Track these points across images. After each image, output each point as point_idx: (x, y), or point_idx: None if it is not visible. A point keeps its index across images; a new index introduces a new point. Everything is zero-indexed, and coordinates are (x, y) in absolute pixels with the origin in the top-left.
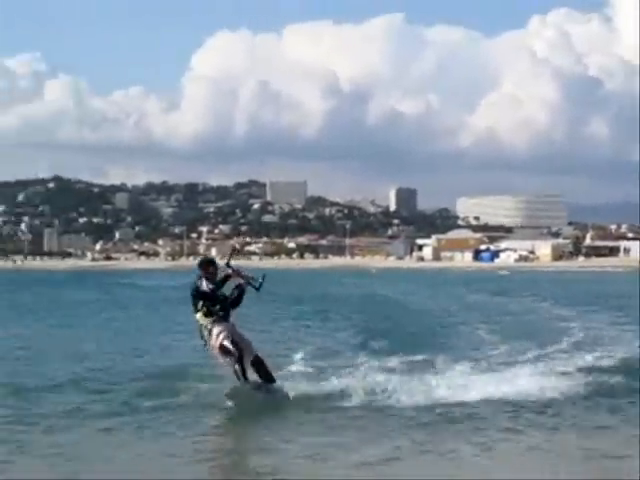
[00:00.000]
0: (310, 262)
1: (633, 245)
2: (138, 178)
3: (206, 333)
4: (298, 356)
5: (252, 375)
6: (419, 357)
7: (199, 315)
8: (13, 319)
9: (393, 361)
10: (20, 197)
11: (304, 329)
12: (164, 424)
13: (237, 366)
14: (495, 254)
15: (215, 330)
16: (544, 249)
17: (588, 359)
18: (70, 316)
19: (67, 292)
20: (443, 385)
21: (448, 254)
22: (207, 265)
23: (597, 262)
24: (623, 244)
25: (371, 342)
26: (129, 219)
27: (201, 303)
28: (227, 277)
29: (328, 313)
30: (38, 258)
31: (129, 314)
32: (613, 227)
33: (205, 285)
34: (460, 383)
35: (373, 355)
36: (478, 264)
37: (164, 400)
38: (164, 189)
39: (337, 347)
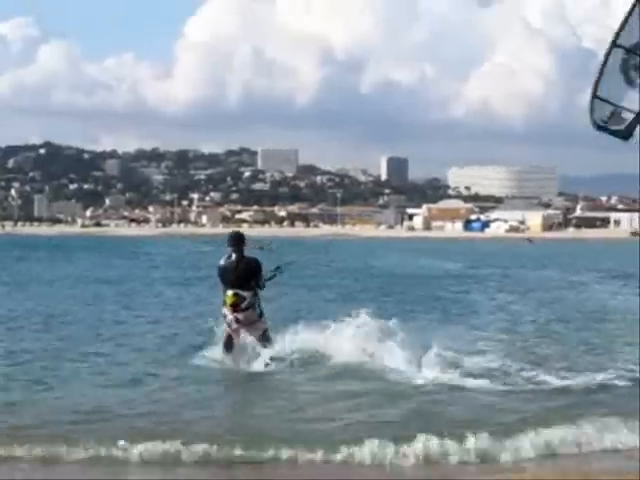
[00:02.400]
0: (300, 230)
1: (623, 217)
2: (129, 145)
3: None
4: None
5: None
6: None
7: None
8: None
9: None
10: (10, 163)
11: None
12: None
13: None
14: (485, 224)
15: None
16: (534, 219)
17: None
18: None
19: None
20: None
21: (439, 224)
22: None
23: (587, 233)
24: (613, 215)
25: None
26: (119, 186)
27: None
28: None
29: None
30: (28, 224)
31: None
32: (604, 199)
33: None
34: None
35: None
36: (468, 234)
37: None
38: (155, 156)
39: None
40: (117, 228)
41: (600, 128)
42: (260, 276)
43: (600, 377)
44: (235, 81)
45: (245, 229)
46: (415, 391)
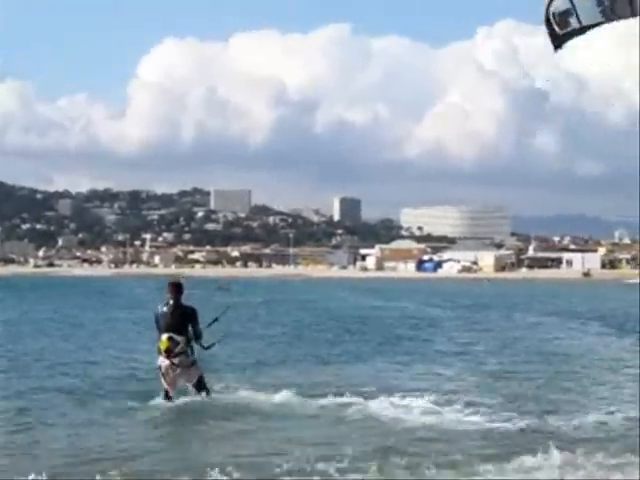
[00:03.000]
0: (253, 271)
1: (575, 257)
2: (82, 185)
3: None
4: None
5: None
6: None
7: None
8: None
9: None
10: None
11: None
12: None
13: None
14: (438, 264)
15: None
16: (487, 260)
17: None
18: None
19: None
20: None
21: (391, 264)
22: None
23: (540, 273)
24: (565, 256)
25: None
26: (72, 226)
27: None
28: None
29: None
30: None
31: None
32: (556, 239)
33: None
34: None
35: None
36: (421, 274)
37: None
38: (108, 196)
39: None
40: (69, 268)
41: (547, 22)
42: (196, 322)
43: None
44: (188, 121)
45: (198, 270)
46: None
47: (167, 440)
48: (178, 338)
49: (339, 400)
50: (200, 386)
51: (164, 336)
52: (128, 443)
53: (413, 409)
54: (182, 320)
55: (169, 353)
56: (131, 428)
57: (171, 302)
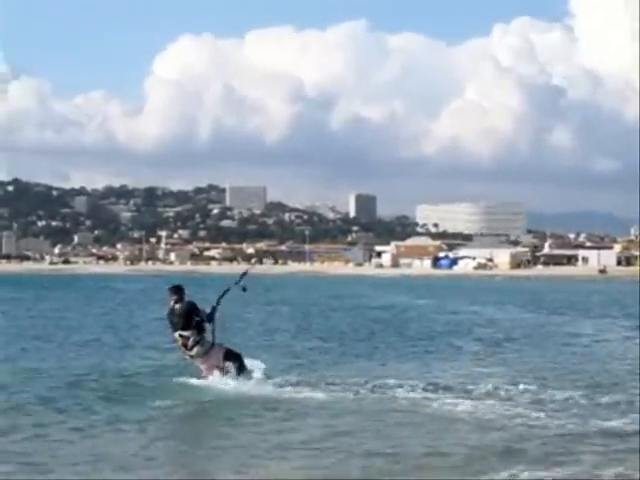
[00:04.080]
0: (269, 268)
1: (591, 254)
2: (99, 182)
3: None
4: None
5: None
6: None
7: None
8: None
9: None
10: None
11: None
12: None
13: None
14: (454, 261)
15: None
16: (502, 257)
17: None
18: None
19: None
20: None
21: (407, 261)
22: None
23: (556, 271)
24: (581, 253)
25: None
26: (88, 223)
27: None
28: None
29: None
30: None
31: None
32: (572, 236)
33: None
34: None
35: None
36: (437, 271)
37: None
38: (123, 193)
39: None
40: (85, 265)
41: None
42: (198, 313)
43: None
44: (204, 118)
45: (214, 266)
46: None
47: None
48: (186, 333)
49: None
50: (229, 357)
51: (176, 334)
52: None
53: None
54: (186, 317)
55: (185, 347)
56: None
57: (172, 304)
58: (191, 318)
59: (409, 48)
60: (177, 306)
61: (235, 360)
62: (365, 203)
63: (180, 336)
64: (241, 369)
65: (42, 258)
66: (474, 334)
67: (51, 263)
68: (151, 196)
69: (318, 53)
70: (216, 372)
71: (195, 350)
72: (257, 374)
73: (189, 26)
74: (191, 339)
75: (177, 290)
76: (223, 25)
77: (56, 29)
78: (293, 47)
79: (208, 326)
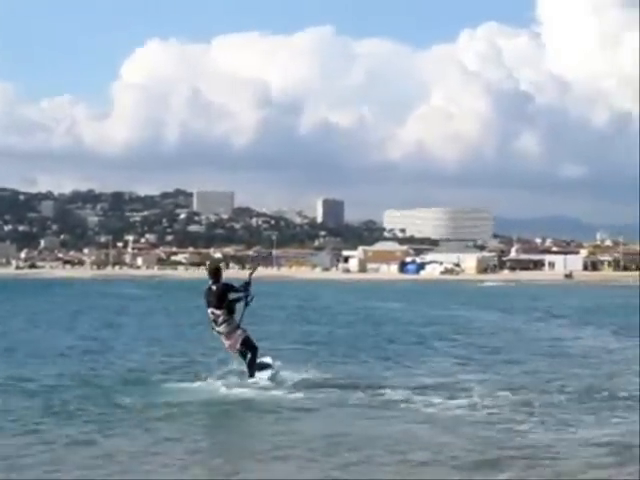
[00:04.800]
0: (236, 273)
1: (557, 259)
2: (65, 186)
3: None
4: None
5: None
6: None
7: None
8: None
9: None
10: None
11: None
12: None
13: None
14: (421, 266)
15: None
16: (469, 262)
17: None
18: None
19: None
20: None
21: (374, 266)
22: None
23: (523, 275)
24: (548, 258)
25: None
26: (55, 227)
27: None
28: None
29: None
30: None
31: None
32: (538, 241)
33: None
34: None
35: None
36: (404, 276)
37: None
38: (90, 198)
39: None
40: (52, 270)
41: None
42: (226, 297)
43: None
44: (172, 123)
45: (181, 271)
46: None
47: None
48: (218, 312)
49: None
50: (248, 344)
51: (208, 311)
52: None
53: None
54: (219, 297)
55: (215, 323)
56: None
57: (210, 283)
58: (224, 299)
59: (376, 53)
60: (214, 287)
61: (250, 350)
62: (332, 208)
63: (212, 313)
64: (253, 363)
65: (8, 262)
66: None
67: (17, 268)
68: (118, 201)
69: (285, 58)
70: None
71: (222, 327)
72: (264, 375)
73: (156, 31)
74: (221, 317)
75: (216, 272)
76: (190, 30)
77: (22, 33)
78: (260, 52)
79: (238, 309)
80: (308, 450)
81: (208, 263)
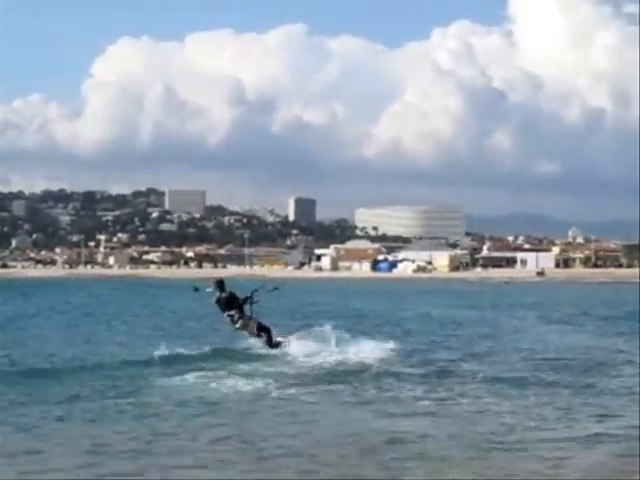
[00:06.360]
0: (208, 271)
1: (529, 256)
2: (37, 186)
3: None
4: None
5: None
6: None
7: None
8: None
9: None
10: None
11: None
12: None
13: None
14: (393, 264)
15: None
16: (441, 260)
17: None
18: None
19: None
20: None
21: (346, 264)
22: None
23: (495, 273)
24: (519, 255)
25: None
26: (26, 227)
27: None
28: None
29: None
30: None
31: None
32: (510, 238)
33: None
34: None
35: None
36: (376, 274)
37: None
38: (62, 197)
39: None
40: (23, 270)
41: None
42: (237, 300)
43: None
44: (145, 121)
45: (153, 270)
46: None
47: None
48: (232, 312)
49: None
50: (261, 328)
51: (225, 314)
52: None
53: None
54: (229, 302)
55: (233, 322)
56: None
57: (217, 293)
58: (232, 303)
59: (348, 51)
60: (222, 295)
61: (265, 331)
62: (304, 206)
63: (228, 315)
64: (270, 340)
65: None
66: None
67: None
68: (90, 200)
69: (258, 56)
70: (253, 340)
71: (239, 323)
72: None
73: (128, 28)
74: (235, 316)
75: (221, 284)
76: (162, 27)
77: None
78: (233, 50)
79: (246, 307)
80: None
81: (214, 280)
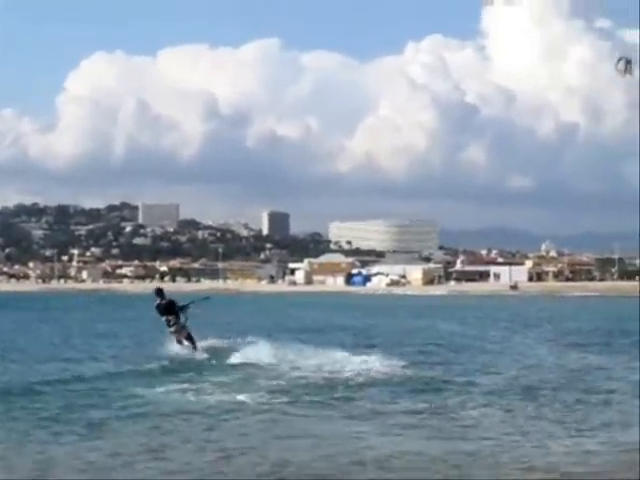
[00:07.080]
0: (182, 286)
1: (503, 270)
2: (10, 200)
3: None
4: None
5: None
6: None
7: None
8: None
9: None
10: None
11: None
12: None
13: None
14: (367, 278)
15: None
16: (415, 273)
17: None
18: None
19: None
20: None
21: (320, 278)
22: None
23: (468, 287)
24: (493, 269)
25: None
26: None
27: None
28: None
29: None
30: None
31: None
32: (484, 252)
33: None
34: None
35: None
36: (350, 288)
37: None
38: (35, 211)
39: None
40: None
41: None
42: (175, 307)
43: None
44: (118, 135)
45: (126, 284)
46: None
47: None
48: (170, 317)
49: None
50: (191, 339)
51: (163, 318)
52: None
53: None
54: (168, 308)
55: (168, 325)
56: None
57: (158, 300)
58: (170, 309)
59: (322, 66)
60: (162, 302)
61: (190, 341)
62: (278, 220)
63: (166, 319)
64: (194, 344)
65: None
66: None
67: None
68: (63, 214)
69: (232, 71)
70: (180, 345)
71: (173, 328)
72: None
73: (101, 43)
74: (171, 321)
75: (160, 292)
76: (136, 42)
77: None
78: (206, 64)
79: (182, 315)
80: None
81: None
